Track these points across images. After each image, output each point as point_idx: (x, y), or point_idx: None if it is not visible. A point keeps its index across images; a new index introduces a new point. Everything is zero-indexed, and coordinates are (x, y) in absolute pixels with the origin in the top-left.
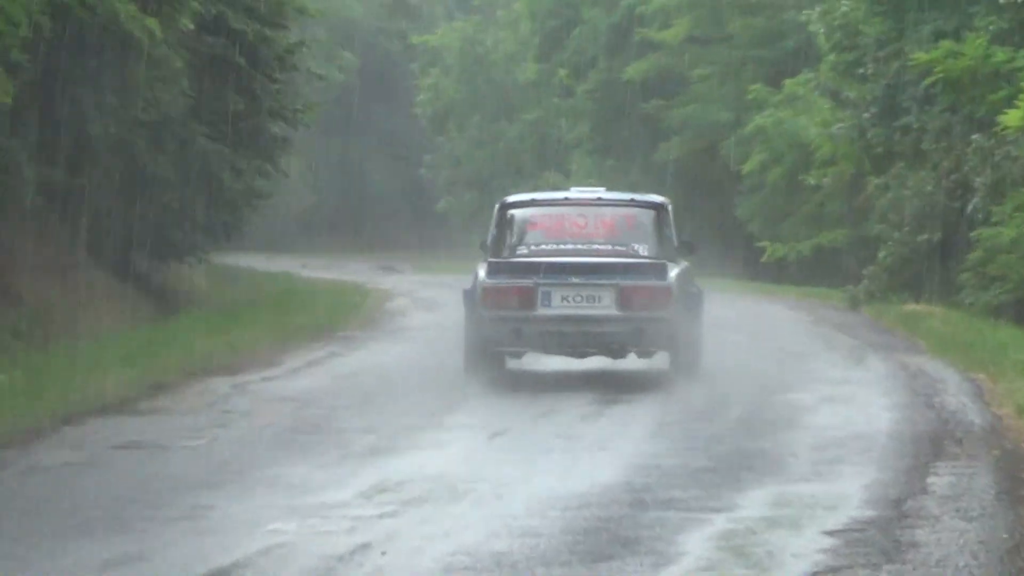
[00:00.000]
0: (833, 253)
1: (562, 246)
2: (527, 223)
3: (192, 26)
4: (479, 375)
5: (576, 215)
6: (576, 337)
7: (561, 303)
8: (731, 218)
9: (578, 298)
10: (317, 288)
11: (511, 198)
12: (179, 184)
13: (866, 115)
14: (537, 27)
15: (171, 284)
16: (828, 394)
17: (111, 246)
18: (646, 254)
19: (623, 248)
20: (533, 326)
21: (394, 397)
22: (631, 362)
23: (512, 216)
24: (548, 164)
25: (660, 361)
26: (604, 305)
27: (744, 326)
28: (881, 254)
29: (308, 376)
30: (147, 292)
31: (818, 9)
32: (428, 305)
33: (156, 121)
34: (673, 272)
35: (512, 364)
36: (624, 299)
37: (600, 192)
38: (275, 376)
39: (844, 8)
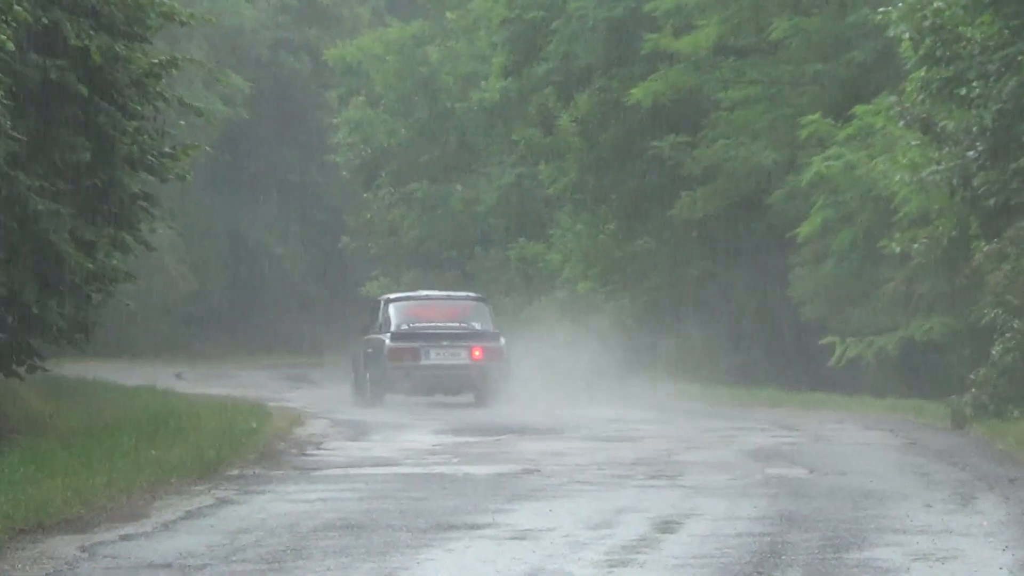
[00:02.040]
0: (929, 350)
1: (430, 323)
2: (405, 311)
3: (12, 46)
4: (377, 405)
5: (435, 305)
6: (443, 378)
7: (435, 357)
8: (782, 300)
9: (445, 354)
10: (198, 408)
11: (392, 295)
12: None
13: (971, 154)
14: (509, 23)
15: None
16: (923, 549)
17: None
18: (481, 328)
19: (466, 325)
20: (418, 372)
21: (310, 562)
22: (662, 496)
23: (394, 307)
24: (524, 228)
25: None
26: (462, 358)
27: (804, 455)
28: (996, 350)
29: (186, 533)
30: None
31: (901, 5)
32: (355, 430)
33: None
34: (502, 339)
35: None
36: (474, 354)
37: (448, 292)
38: (140, 533)
39: (938, 3)
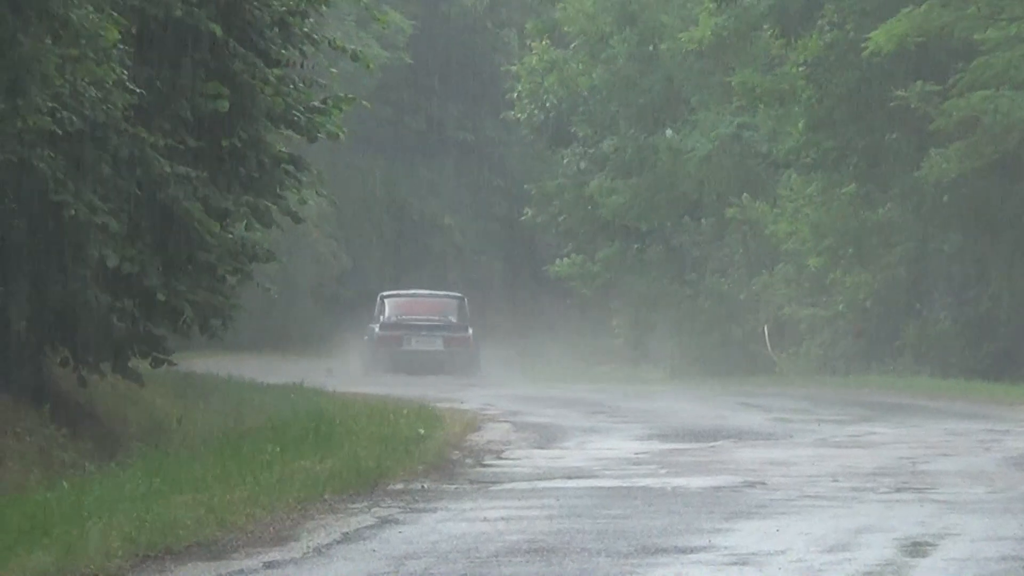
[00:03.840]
0: None
1: (413, 316)
2: (396, 305)
3: None
4: (374, 377)
5: (419, 301)
6: (422, 362)
7: (415, 343)
8: None
9: (424, 341)
10: (354, 410)
11: (387, 293)
12: (117, 236)
13: None
14: None
15: (106, 407)
16: None
17: (4, 342)
18: (455, 320)
19: (443, 318)
20: (401, 355)
21: None
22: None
23: (388, 302)
24: (743, 191)
25: None
26: (437, 345)
27: None
28: None
29: (343, 559)
30: (65, 421)
31: None
32: (542, 436)
33: (76, 133)
34: (471, 330)
35: None
36: (447, 342)
37: (431, 291)
38: (288, 560)
39: None
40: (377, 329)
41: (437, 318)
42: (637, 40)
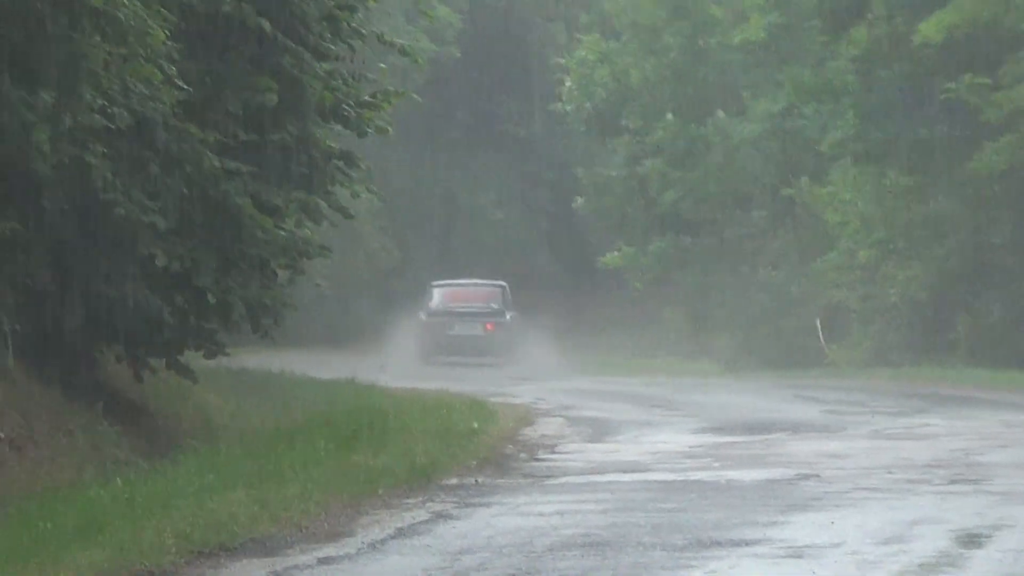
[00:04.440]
0: None
1: (458, 304)
2: (443, 293)
3: None
4: (426, 364)
5: (464, 290)
6: (464, 345)
7: (458, 329)
8: None
9: (466, 327)
10: (407, 405)
11: (437, 282)
12: (168, 232)
13: None
14: None
15: (159, 403)
16: None
17: (57, 340)
18: (496, 307)
19: (485, 305)
20: (446, 340)
21: None
22: None
23: (436, 291)
24: (792, 178)
25: None
26: (477, 330)
27: None
28: None
29: (397, 554)
30: (118, 418)
31: None
32: (596, 429)
33: (125, 129)
34: (508, 315)
35: None
36: (486, 327)
37: (476, 280)
38: (342, 555)
39: None
40: (424, 316)
41: (480, 305)
42: (690, 32)
